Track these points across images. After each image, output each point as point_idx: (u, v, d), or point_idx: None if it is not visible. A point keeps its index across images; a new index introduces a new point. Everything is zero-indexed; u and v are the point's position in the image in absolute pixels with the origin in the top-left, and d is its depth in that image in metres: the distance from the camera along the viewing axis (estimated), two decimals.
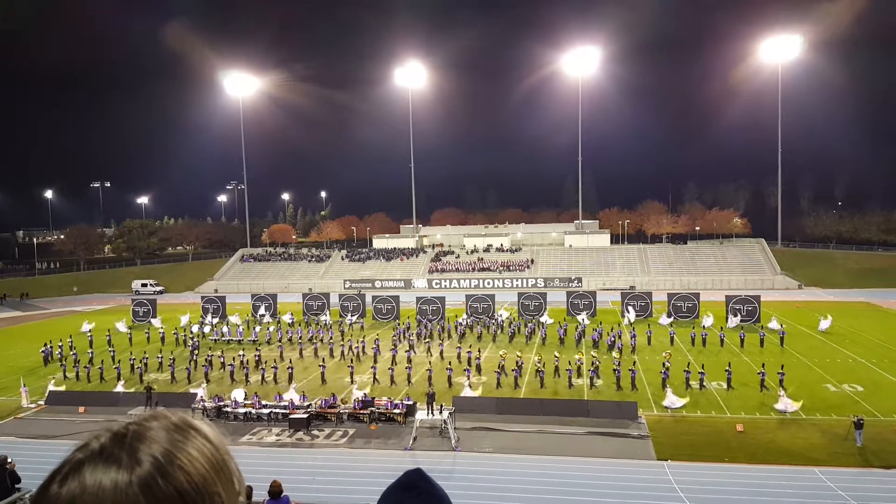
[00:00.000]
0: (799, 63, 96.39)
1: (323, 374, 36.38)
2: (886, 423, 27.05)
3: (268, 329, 50.08)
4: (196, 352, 42.79)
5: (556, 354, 37.67)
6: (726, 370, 33.59)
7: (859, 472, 22.64)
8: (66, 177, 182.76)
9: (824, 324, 46.67)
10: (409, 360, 38.11)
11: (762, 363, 34.84)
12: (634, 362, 35.69)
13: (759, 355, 39.64)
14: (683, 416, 28.82)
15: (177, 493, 0.95)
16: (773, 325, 46.23)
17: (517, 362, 36.06)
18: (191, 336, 48.26)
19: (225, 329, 50.26)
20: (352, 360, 39.27)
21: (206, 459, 1.02)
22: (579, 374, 34.76)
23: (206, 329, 51.29)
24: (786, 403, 28.51)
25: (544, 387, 33.57)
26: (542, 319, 50.88)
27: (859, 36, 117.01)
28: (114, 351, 43.49)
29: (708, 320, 48.13)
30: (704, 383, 32.77)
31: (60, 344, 45.48)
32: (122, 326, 53.16)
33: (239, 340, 48.04)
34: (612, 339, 43.17)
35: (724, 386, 32.71)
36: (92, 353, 44.07)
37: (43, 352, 43.81)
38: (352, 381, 35.03)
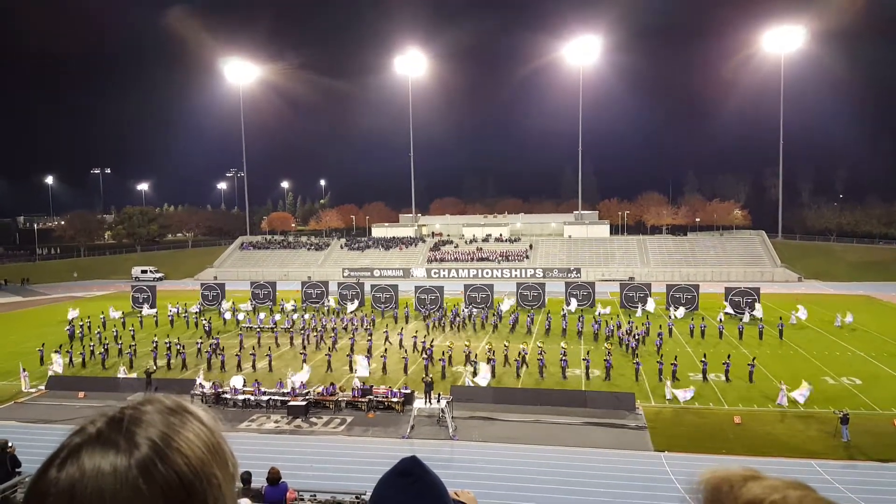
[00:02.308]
0: (801, 54, 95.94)
1: (304, 360, 36.61)
2: (884, 416, 27.16)
3: (302, 316, 50.49)
4: (207, 337, 43.68)
5: (563, 346, 37.81)
6: (702, 361, 33.67)
7: (855, 464, 22.76)
8: (67, 163, 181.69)
9: (843, 319, 46.38)
10: (368, 350, 38.23)
11: (728, 354, 35.00)
12: (609, 352, 35.84)
13: (757, 347, 39.84)
14: (682, 407, 28.94)
15: (176, 476, 0.95)
16: (801, 314, 46.86)
17: (520, 352, 36.19)
18: (204, 321, 48.85)
19: (262, 316, 50.17)
20: (329, 349, 39.38)
21: (202, 442, 1.01)
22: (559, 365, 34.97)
23: (241, 316, 51.26)
24: (783, 396, 28.64)
25: (520, 377, 33.93)
26: (572, 308, 51.88)
27: (862, 27, 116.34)
28: (133, 330, 46.36)
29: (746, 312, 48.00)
30: (676, 375, 32.44)
31: (81, 324, 47.74)
32: (114, 313, 53.41)
33: (272, 328, 47.26)
34: (598, 327, 44.01)
35: (700, 377, 32.84)
36: (117, 331, 45.93)
37: (68, 329, 45.75)
38: (328, 369, 35.41)
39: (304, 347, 40.71)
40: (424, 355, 36.22)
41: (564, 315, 47.61)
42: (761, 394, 30.28)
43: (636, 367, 33.63)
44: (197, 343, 41.16)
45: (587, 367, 33.88)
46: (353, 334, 43.21)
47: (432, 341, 39.36)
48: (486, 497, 19.51)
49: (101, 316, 51.72)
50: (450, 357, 36.44)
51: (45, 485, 0.94)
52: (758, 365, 33.99)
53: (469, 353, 36.69)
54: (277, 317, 49.98)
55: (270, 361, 37.06)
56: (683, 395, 29.22)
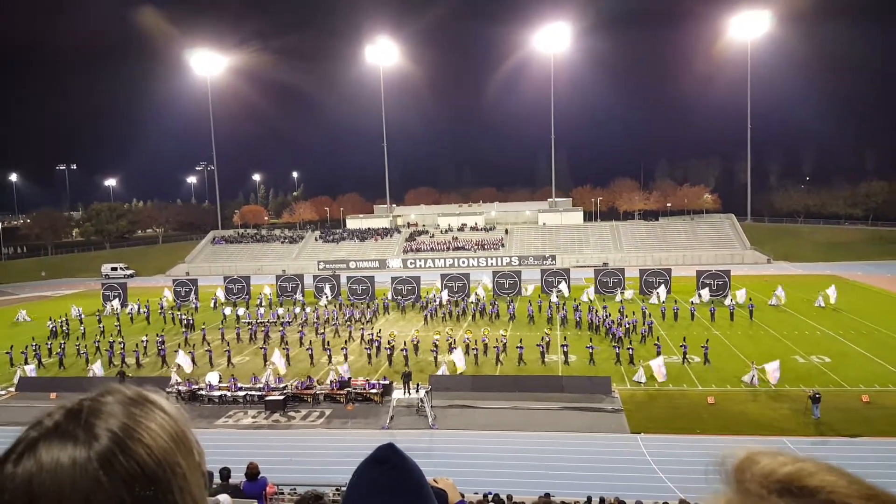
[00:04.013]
0: (768, 38, 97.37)
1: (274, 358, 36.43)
2: (853, 392, 27.92)
3: (304, 309, 50.02)
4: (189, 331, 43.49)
5: (503, 332, 38.00)
6: (655, 344, 33.88)
7: (826, 440, 23.39)
8: (31, 159, 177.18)
9: (820, 300, 47.26)
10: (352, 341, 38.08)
11: (683, 336, 35.30)
12: (566, 337, 36.30)
13: (729, 328, 40.62)
14: (656, 389, 29.41)
15: (138, 467, 0.92)
16: (773, 301, 47.89)
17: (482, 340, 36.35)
18: (181, 315, 48.66)
19: (261, 311, 49.45)
20: (284, 344, 39.10)
21: (165, 432, 0.98)
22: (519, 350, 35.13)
23: (241, 311, 50.36)
24: (752, 375, 29.39)
25: (478, 364, 34.07)
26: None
27: (827, 10, 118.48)
28: (119, 325, 46.63)
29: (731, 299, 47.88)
30: (634, 360, 32.86)
31: (61, 320, 47.57)
32: (75, 311, 52.40)
33: (274, 322, 46.10)
34: (565, 313, 44.57)
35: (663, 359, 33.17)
36: (103, 327, 46.04)
37: (51, 326, 46.04)
38: (311, 364, 35.34)
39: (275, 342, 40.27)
40: (377, 347, 36.20)
41: (540, 303, 48.03)
42: (733, 374, 30.85)
43: (590, 351, 33.81)
44: (143, 340, 40.20)
45: (542, 353, 34.08)
46: (301, 329, 42.55)
47: (379, 331, 39.36)
48: (467, 483, 19.61)
49: (78, 314, 51.25)
50: (393, 347, 35.99)
51: (1, 481, 0.90)
52: (729, 345, 34.57)
53: (417, 342, 36.45)
54: (280, 311, 49.53)
55: (229, 356, 36.67)
56: (659, 370, 30.08)
